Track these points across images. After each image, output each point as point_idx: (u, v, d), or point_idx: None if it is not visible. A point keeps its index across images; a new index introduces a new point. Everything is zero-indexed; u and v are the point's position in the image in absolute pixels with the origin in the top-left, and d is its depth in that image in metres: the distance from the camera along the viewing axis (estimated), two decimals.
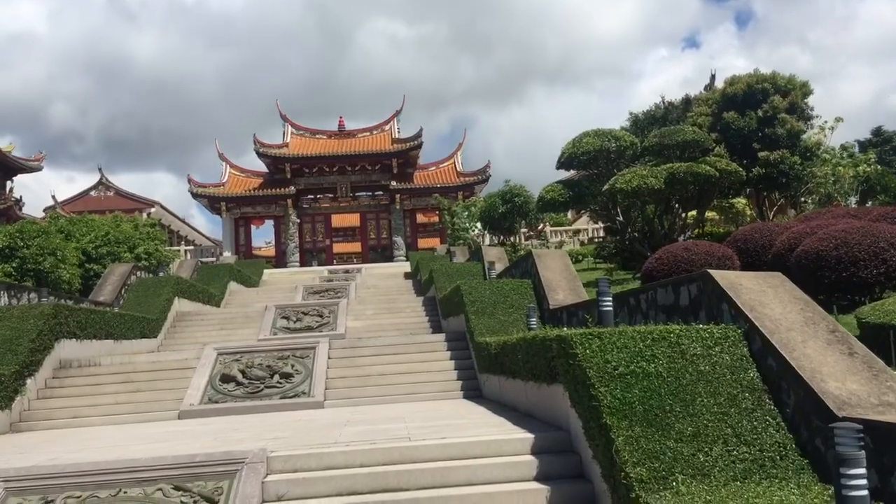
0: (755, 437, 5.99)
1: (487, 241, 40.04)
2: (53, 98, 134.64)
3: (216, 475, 7.05)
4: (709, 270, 7.90)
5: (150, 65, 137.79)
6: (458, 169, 56.15)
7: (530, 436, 7.69)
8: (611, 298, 9.74)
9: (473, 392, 14.63)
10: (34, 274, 25.15)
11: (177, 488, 6.85)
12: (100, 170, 71.39)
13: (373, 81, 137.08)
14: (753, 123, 29.21)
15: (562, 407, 7.83)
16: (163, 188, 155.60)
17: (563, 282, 15.85)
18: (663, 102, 46.56)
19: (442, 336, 17.27)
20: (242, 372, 15.35)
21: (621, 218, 27.17)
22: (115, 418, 14.06)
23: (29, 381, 14.40)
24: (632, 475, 5.63)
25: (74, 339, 16.65)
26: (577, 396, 7.04)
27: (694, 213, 28.58)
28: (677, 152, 26.84)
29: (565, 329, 7.59)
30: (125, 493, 6.83)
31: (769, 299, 7.32)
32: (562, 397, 7.76)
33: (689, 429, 6.00)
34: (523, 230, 43.05)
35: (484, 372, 13.91)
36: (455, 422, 9.76)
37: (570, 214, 60.68)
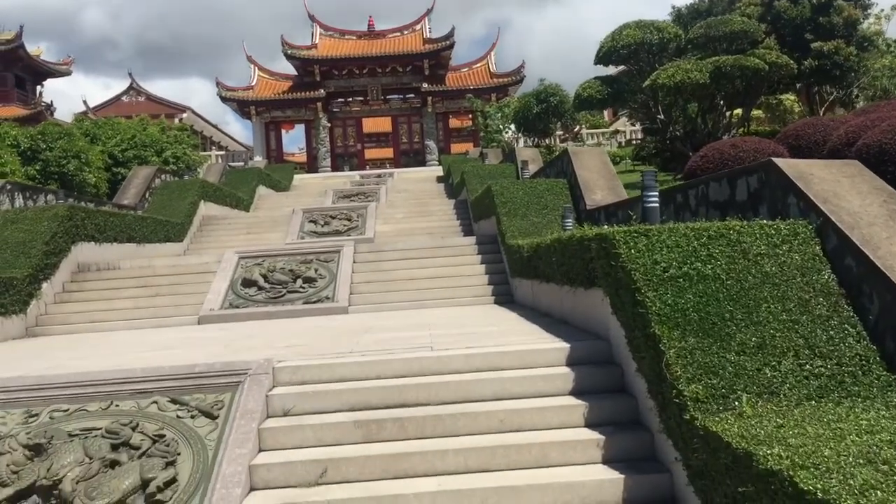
0: (832, 348, 5.09)
1: (521, 143, 38.68)
2: (86, 4, 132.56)
3: (217, 388, 6.39)
4: (773, 159, 6.86)
5: None
6: (492, 70, 54.25)
7: (565, 345, 6.88)
8: (657, 194, 8.73)
9: (505, 297, 13.88)
10: (58, 177, 24.67)
11: (173, 401, 6.20)
12: (130, 75, 70.57)
13: None
14: (807, 12, 27.15)
15: (601, 314, 6.99)
16: (198, 95, 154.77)
17: (600, 181, 14.80)
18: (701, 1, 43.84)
19: (473, 239, 16.44)
20: (264, 276, 14.74)
21: (662, 116, 25.71)
22: (132, 323, 13.60)
23: (45, 284, 13.95)
24: (685, 393, 4.80)
25: (93, 242, 16.13)
26: (619, 302, 6.18)
27: (739, 111, 26.97)
28: (724, 45, 25.12)
29: (605, 227, 6.67)
30: (117, 405, 6.20)
31: (845, 190, 6.29)
32: (601, 303, 6.91)
33: (754, 339, 5.12)
34: (558, 132, 41.50)
35: (516, 276, 13.10)
36: (483, 329, 9.00)
37: (606, 115, 58.76)
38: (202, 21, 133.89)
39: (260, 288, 14.52)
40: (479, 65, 55.32)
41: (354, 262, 15.46)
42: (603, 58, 25.57)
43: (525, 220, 14.33)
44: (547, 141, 36.89)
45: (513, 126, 39.15)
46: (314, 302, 14.08)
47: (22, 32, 52.89)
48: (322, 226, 22.97)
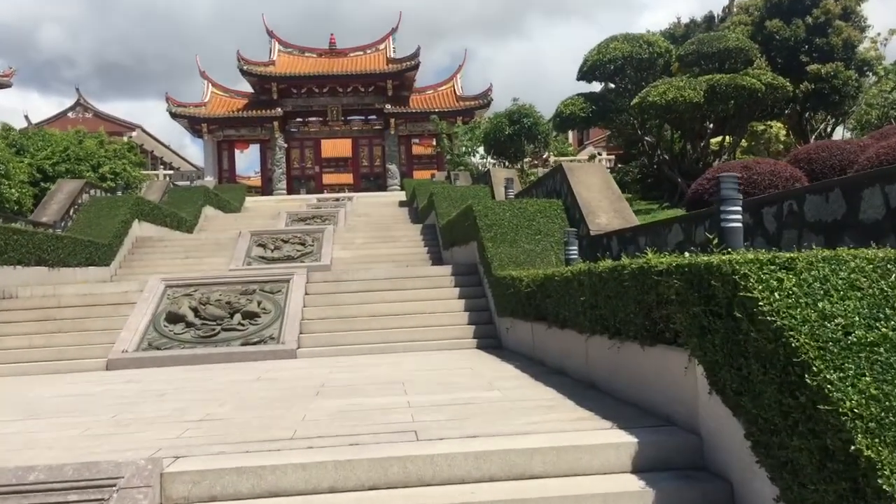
0: None
1: (491, 167, 36.46)
2: (43, 21, 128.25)
3: None
4: None
5: None
6: (458, 93, 52.19)
7: (626, 437, 4.41)
8: (739, 208, 6.28)
9: (490, 341, 11.40)
10: None
11: None
12: (77, 90, 67.08)
13: (372, 9, 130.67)
14: (801, 32, 25.42)
15: (681, 388, 4.55)
16: (155, 116, 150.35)
17: (604, 202, 12.47)
18: (679, 23, 42.26)
19: (447, 269, 13.94)
20: (195, 310, 12.05)
21: (649, 138, 23.64)
22: (23, 368, 10.79)
23: None
24: None
25: None
26: (739, 381, 3.72)
27: (721, 137, 25.05)
28: (716, 63, 23.21)
29: (713, 255, 4.23)
30: None
31: None
32: (684, 373, 4.46)
33: None
34: (526, 158, 39.38)
35: (506, 315, 10.64)
36: (482, 394, 6.49)
37: (571, 141, 56.99)
38: (164, 41, 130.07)
39: (188, 324, 11.83)
40: (444, 87, 53.22)
41: (307, 293, 12.86)
42: (587, 72, 23.48)
43: (515, 246, 11.89)
44: (518, 165, 34.72)
45: (481, 149, 36.98)
46: (255, 343, 11.42)
47: None
48: (272, 251, 20.34)
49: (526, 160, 37.67)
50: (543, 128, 32.03)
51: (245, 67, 47.92)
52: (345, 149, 58.35)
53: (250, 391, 7.53)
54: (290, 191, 49.19)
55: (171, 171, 54.02)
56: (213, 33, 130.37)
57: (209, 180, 45.06)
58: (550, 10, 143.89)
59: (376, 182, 51.18)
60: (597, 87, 25.52)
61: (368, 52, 53.58)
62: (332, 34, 54.19)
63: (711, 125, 23.80)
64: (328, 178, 57.14)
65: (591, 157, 41.68)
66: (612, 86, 25.01)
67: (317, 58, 52.63)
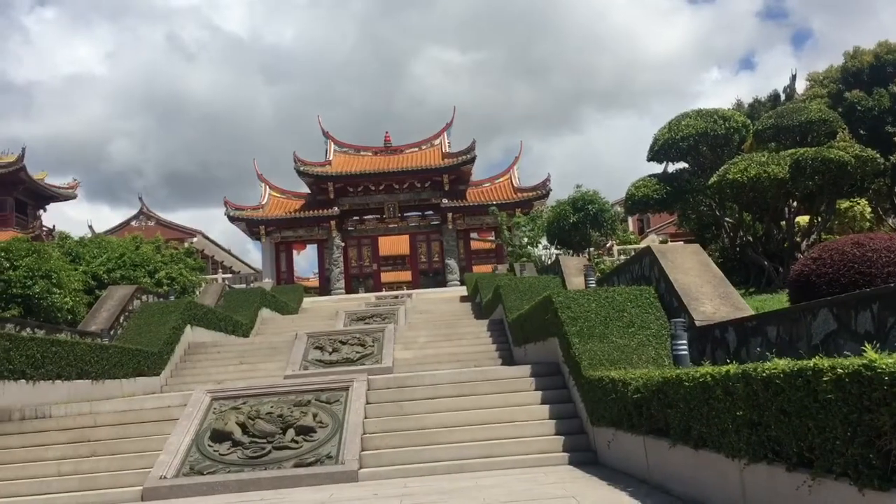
0: None
1: (554, 257, 34.97)
2: (114, 135, 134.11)
3: None
4: None
5: (208, 100, 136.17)
6: (515, 184, 51.28)
7: None
8: None
9: (583, 455, 9.67)
10: (22, 300, 20.98)
11: None
12: (140, 199, 68.35)
13: (428, 110, 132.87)
14: (886, 101, 23.77)
15: None
16: (219, 222, 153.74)
17: (705, 287, 10.81)
18: (742, 104, 40.89)
19: (524, 370, 12.28)
20: (242, 426, 10.61)
21: (729, 219, 21.96)
22: (48, 500, 9.43)
23: None
24: None
25: (23, 381, 12.12)
26: None
27: (809, 217, 23.23)
28: (797, 137, 21.65)
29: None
30: None
31: None
32: None
33: None
34: (590, 248, 37.81)
35: (603, 425, 8.96)
36: None
37: (631, 228, 55.20)
38: (227, 149, 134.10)
39: (236, 443, 10.38)
40: (501, 179, 52.48)
41: (368, 402, 11.34)
42: (658, 152, 22.08)
43: (605, 342, 10.27)
44: (583, 255, 33.16)
45: (544, 239, 35.61)
46: (310, 464, 9.87)
47: (24, 154, 50.84)
48: (330, 353, 19.06)
49: (590, 249, 36.16)
50: (609, 214, 30.61)
51: (302, 168, 48.00)
52: (402, 246, 57.69)
53: None
54: (349, 290, 48.34)
55: (231, 275, 53.91)
56: (273, 138, 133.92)
57: (267, 282, 44.50)
58: (603, 104, 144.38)
59: (435, 278, 50.03)
60: (667, 167, 24.08)
61: (423, 147, 53.42)
62: (386, 132, 54.39)
63: (795, 203, 22.07)
64: (386, 276, 56.30)
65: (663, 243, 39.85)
66: (685, 165, 23.55)
67: (372, 156, 52.63)
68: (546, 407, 10.86)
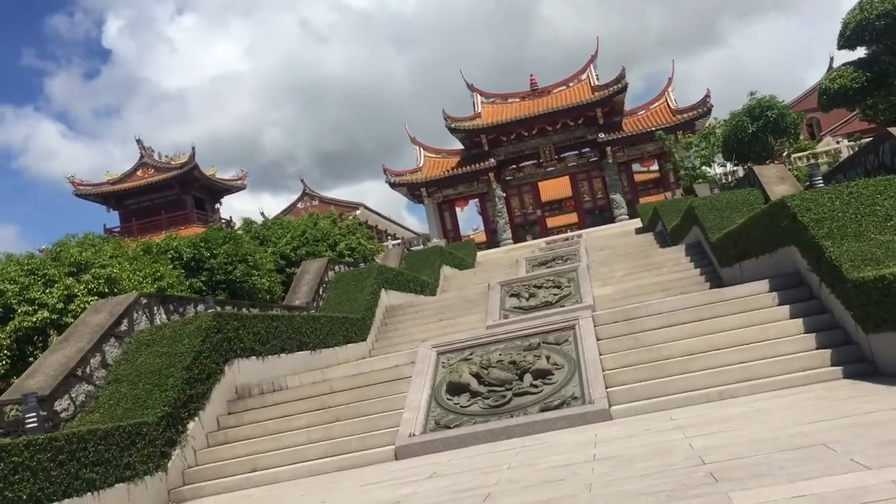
0: None
1: (737, 173, 32.86)
2: (265, 126, 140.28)
3: None
4: None
5: (346, 78, 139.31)
6: (672, 107, 48.79)
7: None
8: None
9: (859, 366, 8.70)
10: (226, 285, 22.00)
11: None
12: (301, 181, 70.78)
13: (561, 50, 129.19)
14: None
15: None
16: (371, 196, 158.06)
17: None
18: None
19: (761, 285, 11.27)
20: (477, 376, 10.38)
21: None
22: (307, 468, 9.57)
23: (191, 424, 10.30)
24: None
25: (253, 357, 12.54)
26: None
27: None
28: None
29: None
30: None
31: None
32: None
33: None
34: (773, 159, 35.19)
35: (886, 330, 7.98)
36: None
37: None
38: (371, 122, 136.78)
39: (473, 394, 10.16)
40: (656, 104, 50.11)
41: (598, 338, 10.82)
42: (851, 37, 19.91)
43: (862, 240, 9.17)
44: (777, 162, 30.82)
45: (718, 157, 33.54)
46: (556, 406, 9.49)
47: (194, 154, 53.71)
48: (527, 299, 18.69)
49: (775, 159, 33.72)
50: (791, 118, 28.29)
51: (453, 125, 47.87)
52: (563, 188, 56.55)
53: (609, 480, 5.53)
54: (516, 239, 48.02)
55: (397, 241, 54.92)
56: (412, 103, 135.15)
57: (437, 241, 44.92)
58: (744, 10, 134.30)
59: (602, 215, 48.72)
60: (860, 53, 21.70)
61: (571, 84, 51.87)
62: (531, 75, 53.13)
63: None
64: (552, 221, 55.44)
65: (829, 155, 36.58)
66: (879, 48, 21.14)
67: (520, 101, 51.72)
68: (799, 321, 9.90)
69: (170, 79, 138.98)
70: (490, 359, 10.71)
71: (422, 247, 37.51)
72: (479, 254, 38.81)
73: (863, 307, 8.45)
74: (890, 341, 8.05)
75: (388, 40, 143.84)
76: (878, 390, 7.31)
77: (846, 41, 20.21)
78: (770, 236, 11.85)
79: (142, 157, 54.83)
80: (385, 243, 50.02)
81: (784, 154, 38.55)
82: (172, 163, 54.35)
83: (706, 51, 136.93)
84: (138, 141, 55.21)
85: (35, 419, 8.28)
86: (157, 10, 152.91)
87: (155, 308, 12.64)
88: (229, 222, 56.21)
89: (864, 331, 8.62)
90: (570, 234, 42.74)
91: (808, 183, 15.48)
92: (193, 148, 53.55)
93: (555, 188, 58.47)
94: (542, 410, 9.48)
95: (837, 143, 41.57)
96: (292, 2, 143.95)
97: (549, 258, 26.74)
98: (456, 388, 10.32)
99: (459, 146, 50.69)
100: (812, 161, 34.16)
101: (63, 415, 9.51)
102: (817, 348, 9.31)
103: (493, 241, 49.27)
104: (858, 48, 21.03)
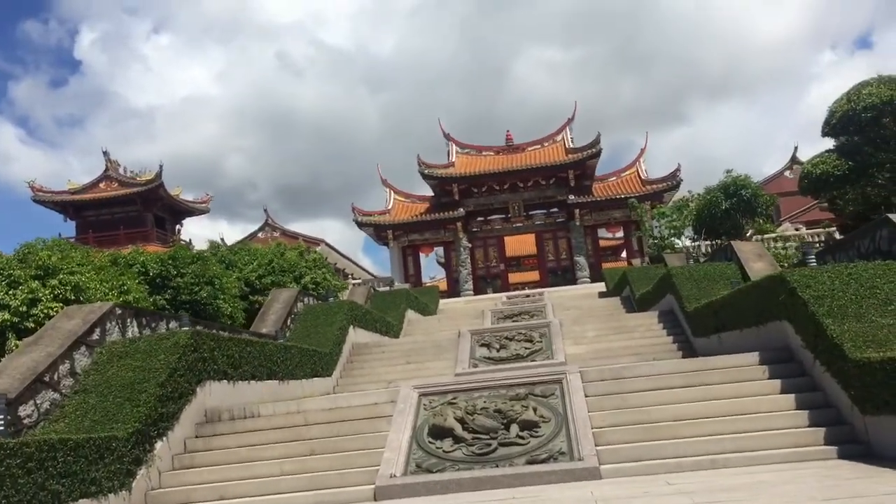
0: None
1: (703, 248, 33.33)
2: (229, 151, 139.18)
3: None
4: None
5: (316, 113, 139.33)
6: (643, 177, 49.70)
7: None
8: None
9: (852, 447, 8.63)
10: (190, 305, 21.37)
11: None
12: (265, 211, 69.96)
13: (532, 110, 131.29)
14: None
15: None
16: (330, 233, 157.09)
17: None
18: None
19: (751, 357, 11.22)
20: (461, 421, 10.08)
21: None
22: (278, 500, 9.14)
23: (159, 444, 9.78)
24: None
25: (225, 381, 12.06)
26: None
27: None
28: None
29: None
30: None
31: None
32: None
33: None
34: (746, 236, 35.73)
35: (886, 413, 7.95)
36: None
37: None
38: (336, 159, 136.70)
39: (457, 439, 9.86)
40: (627, 172, 51.04)
41: (586, 395, 10.64)
42: (836, 126, 20.49)
43: (863, 321, 9.21)
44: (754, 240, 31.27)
45: (687, 231, 34.05)
46: (543, 460, 9.24)
47: (161, 172, 52.86)
48: (497, 350, 18.52)
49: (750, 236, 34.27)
50: (763, 199, 28.94)
51: (426, 171, 48.05)
52: (528, 245, 56.93)
53: None
54: (477, 291, 47.97)
55: (357, 280, 54.43)
56: (380, 146, 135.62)
57: (400, 285, 44.60)
58: (711, 94, 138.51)
59: (564, 276, 49.02)
60: (840, 142, 22.28)
61: (546, 144, 52.61)
62: (507, 131, 53.90)
63: None
64: (513, 277, 55.59)
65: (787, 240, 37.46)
66: (856, 139, 21.76)
67: (494, 155, 52.20)
68: (791, 396, 9.85)
69: (140, 95, 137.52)
70: (475, 405, 10.44)
71: (388, 288, 37.12)
72: (441, 301, 38.58)
73: (864, 388, 8.43)
74: (889, 425, 8.01)
75: (362, 81, 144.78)
76: (884, 472, 7.22)
77: (832, 129, 20.79)
78: (760, 309, 11.88)
79: (106, 169, 53.74)
80: (348, 281, 49.51)
81: (748, 235, 39.38)
82: (138, 178, 53.39)
83: (670, 127, 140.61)
84: (105, 153, 54.16)
85: (2, 422, 7.75)
86: (133, 27, 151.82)
87: (129, 320, 12.12)
88: (188, 244, 55.20)
89: (862, 412, 8.58)
90: (531, 291, 42.71)
91: (799, 261, 15.65)
92: (161, 166, 52.76)
93: (520, 244, 58.81)
94: (529, 463, 9.22)
95: (797, 230, 42.63)
96: (274, 34, 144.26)
97: (515, 312, 26.74)
98: (439, 432, 10.00)
99: (428, 192, 50.76)
100: (779, 244, 34.85)
101: (26, 421, 8.95)
102: (810, 425, 9.24)
103: (454, 290, 49.13)
104: (827, 138, 21.59)
